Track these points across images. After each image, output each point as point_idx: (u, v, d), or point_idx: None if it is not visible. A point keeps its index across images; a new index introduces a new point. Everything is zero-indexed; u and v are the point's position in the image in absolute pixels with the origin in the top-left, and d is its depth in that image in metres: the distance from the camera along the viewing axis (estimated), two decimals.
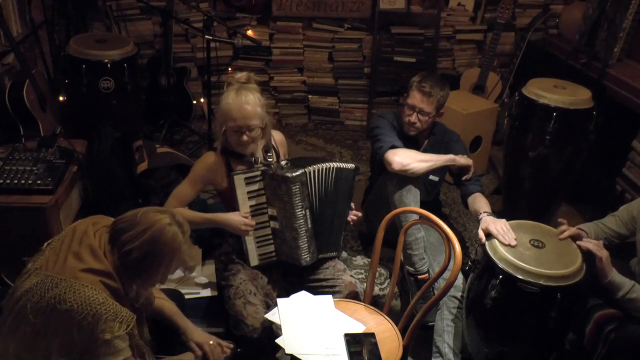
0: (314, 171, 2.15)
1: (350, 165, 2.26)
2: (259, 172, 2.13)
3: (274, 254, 2.24)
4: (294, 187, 2.09)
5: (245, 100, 2.06)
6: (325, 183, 2.20)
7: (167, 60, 3.72)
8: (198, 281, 2.49)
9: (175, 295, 2.08)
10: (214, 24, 3.43)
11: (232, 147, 2.15)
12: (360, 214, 2.38)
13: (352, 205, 2.35)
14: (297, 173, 2.09)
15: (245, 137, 2.09)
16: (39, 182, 2.34)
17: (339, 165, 2.22)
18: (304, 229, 2.15)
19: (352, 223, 2.37)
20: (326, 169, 2.19)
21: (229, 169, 2.17)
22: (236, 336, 2.05)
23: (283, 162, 2.15)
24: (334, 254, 2.32)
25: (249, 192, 2.15)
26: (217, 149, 2.19)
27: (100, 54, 3.14)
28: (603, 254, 2.04)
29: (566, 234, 2.17)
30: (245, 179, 2.12)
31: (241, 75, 2.11)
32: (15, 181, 2.33)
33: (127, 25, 3.92)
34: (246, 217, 2.14)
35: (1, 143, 2.69)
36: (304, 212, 2.14)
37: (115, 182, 2.82)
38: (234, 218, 2.14)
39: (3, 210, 2.27)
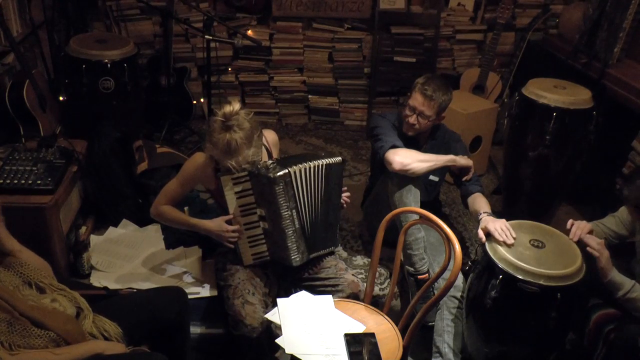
0: (300, 171, 2.13)
1: (338, 159, 2.23)
2: (245, 173, 2.12)
3: (266, 253, 2.24)
4: (277, 188, 2.08)
5: (237, 148, 2.00)
6: (315, 181, 2.18)
7: (167, 60, 3.71)
8: (187, 279, 2.49)
9: (177, 292, 2.08)
10: (214, 24, 3.43)
11: None
12: (349, 194, 2.36)
13: (344, 188, 2.33)
14: (280, 173, 2.07)
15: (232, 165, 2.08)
16: (39, 182, 2.34)
17: (327, 162, 2.20)
18: (291, 229, 2.15)
19: (345, 206, 2.36)
20: (313, 167, 2.16)
21: (217, 170, 2.16)
22: (235, 336, 2.05)
23: (269, 162, 2.14)
24: (332, 248, 2.33)
25: (236, 193, 2.14)
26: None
27: (100, 54, 3.14)
28: (604, 253, 2.04)
29: (577, 233, 2.15)
30: (232, 179, 2.12)
31: (228, 113, 2.01)
32: (15, 181, 2.33)
33: (127, 25, 3.92)
34: (230, 224, 2.14)
35: (1, 143, 2.69)
36: (289, 212, 2.13)
37: (115, 182, 2.82)
38: (216, 228, 2.15)
39: (3, 210, 2.26)
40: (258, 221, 2.20)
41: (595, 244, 2.07)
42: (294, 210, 2.15)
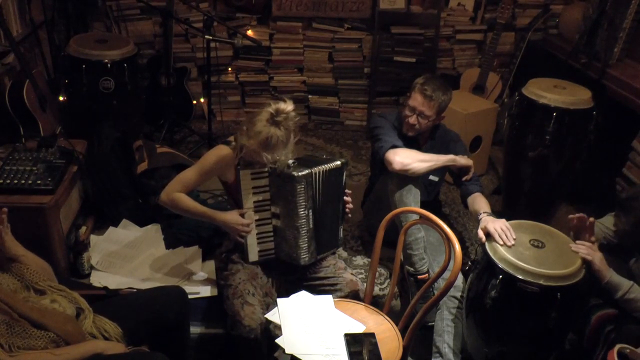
0: (319, 172, 2.16)
1: (337, 163, 2.24)
2: (266, 169, 2.14)
3: (272, 251, 2.24)
4: (299, 187, 2.10)
5: (276, 145, 2.03)
6: (329, 183, 2.21)
7: (167, 60, 3.71)
8: (196, 278, 2.50)
9: (178, 292, 2.08)
10: (214, 24, 3.43)
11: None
12: (350, 199, 2.37)
13: (348, 192, 2.35)
14: (303, 173, 2.10)
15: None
16: (39, 182, 2.34)
17: (339, 164, 2.23)
18: (305, 229, 2.16)
19: (348, 212, 2.37)
20: (330, 169, 2.20)
21: (237, 163, 2.18)
22: (233, 336, 2.05)
23: (290, 161, 2.15)
24: (335, 249, 2.35)
25: (254, 188, 2.15)
26: (232, 146, 2.17)
27: (100, 54, 3.14)
28: (596, 255, 2.04)
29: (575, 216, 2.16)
30: (252, 174, 2.13)
31: (282, 110, 2.02)
32: (15, 181, 2.33)
33: (127, 25, 3.92)
34: (243, 217, 2.14)
35: (1, 143, 2.69)
36: (306, 212, 2.15)
37: (115, 182, 2.82)
38: (232, 220, 2.15)
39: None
40: (270, 218, 2.21)
41: (584, 249, 2.07)
42: (310, 210, 2.16)
